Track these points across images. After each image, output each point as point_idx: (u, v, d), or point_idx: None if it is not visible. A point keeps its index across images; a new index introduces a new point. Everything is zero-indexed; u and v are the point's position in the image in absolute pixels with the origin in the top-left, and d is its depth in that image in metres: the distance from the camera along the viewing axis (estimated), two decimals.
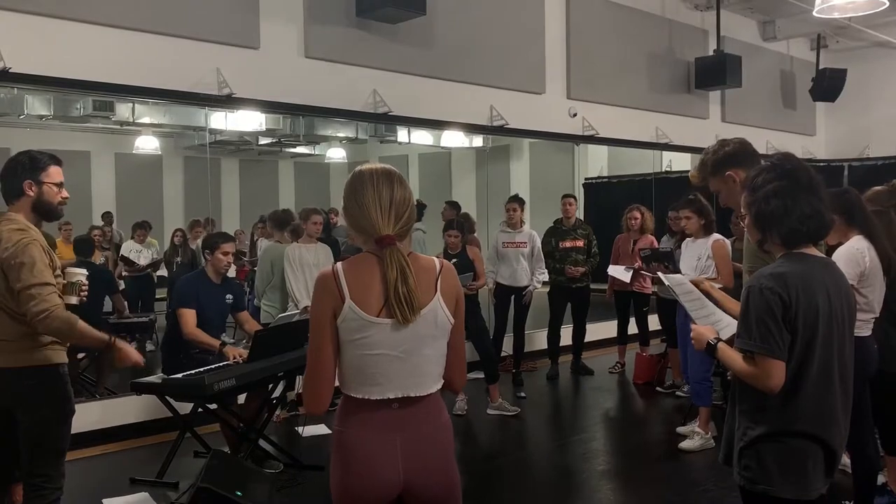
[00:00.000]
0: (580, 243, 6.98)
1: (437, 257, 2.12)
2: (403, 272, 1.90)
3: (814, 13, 6.08)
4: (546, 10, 7.55)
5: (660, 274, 2.89)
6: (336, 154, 15.06)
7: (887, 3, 5.73)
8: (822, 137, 11.22)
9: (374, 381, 1.93)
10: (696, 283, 2.81)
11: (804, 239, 2.16)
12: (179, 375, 3.96)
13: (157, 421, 5.06)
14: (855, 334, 2.96)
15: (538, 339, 7.47)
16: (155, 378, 4.18)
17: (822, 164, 10.94)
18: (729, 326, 2.55)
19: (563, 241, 6.98)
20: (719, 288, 2.90)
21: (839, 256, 3.23)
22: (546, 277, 6.92)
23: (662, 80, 8.68)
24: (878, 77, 10.55)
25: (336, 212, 10.79)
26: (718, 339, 2.30)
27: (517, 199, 6.85)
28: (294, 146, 14.43)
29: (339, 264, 1.97)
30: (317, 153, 15.09)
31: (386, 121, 6.74)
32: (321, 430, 5.10)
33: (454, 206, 8.06)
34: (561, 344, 7.10)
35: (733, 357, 2.18)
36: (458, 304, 2.04)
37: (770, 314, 2.06)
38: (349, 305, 1.90)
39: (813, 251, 2.19)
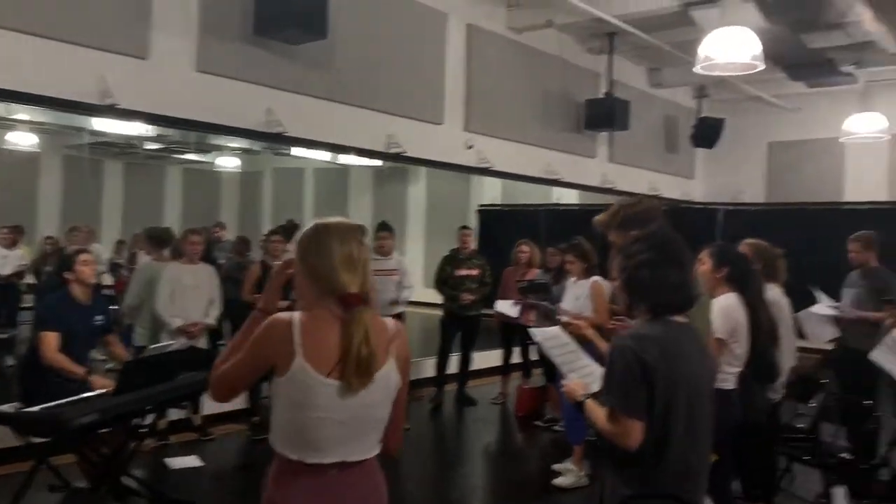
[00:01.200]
0: (475, 272, 7.10)
1: (393, 318, 2.06)
2: (367, 334, 1.84)
3: (696, 69, 6.42)
4: (447, 42, 7.64)
5: (532, 330, 2.95)
6: (228, 163, 14.62)
7: (762, 66, 6.15)
8: (700, 181, 11.89)
9: (314, 445, 1.84)
10: (573, 324, 2.92)
11: (669, 310, 2.27)
12: (36, 408, 3.67)
13: (7, 450, 4.69)
14: (721, 387, 3.13)
15: (426, 367, 7.48)
16: (8, 408, 3.87)
17: (699, 206, 11.59)
18: (600, 380, 2.64)
19: (459, 269, 7.08)
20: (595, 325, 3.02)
21: (714, 311, 3.41)
22: (411, 297, 6.94)
23: (555, 119, 8.95)
24: (752, 128, 11.31)
25: (222, 226, 10.46)
26: (587, 396, 2.38)
27: (387, 227, 6.88)
28: (184, 153, 13.90)
29: (296, 316, 1.87)
30: (208, 161, 14.59)
31: (280, 141, 6.61)
32: (192, 462, 4.89)
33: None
34: (447, 372, 7.16)
35: (598, 415, 2.26)
36: (406, 365, 2.00)
37: (630, 374, 2.15)
38: (300, 363, 1.81)
39: (678, 317, 2.31)
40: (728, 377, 3.44)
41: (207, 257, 6.79)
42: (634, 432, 2.14)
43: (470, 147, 7.94)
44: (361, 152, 7.29)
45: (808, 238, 9.63)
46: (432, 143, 7.61)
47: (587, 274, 5.25)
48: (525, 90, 8.53)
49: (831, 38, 8.08)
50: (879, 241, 5.88)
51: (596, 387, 2.58)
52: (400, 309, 6.69)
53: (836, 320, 5.77)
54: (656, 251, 2.27)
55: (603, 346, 2.81)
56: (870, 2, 7.06)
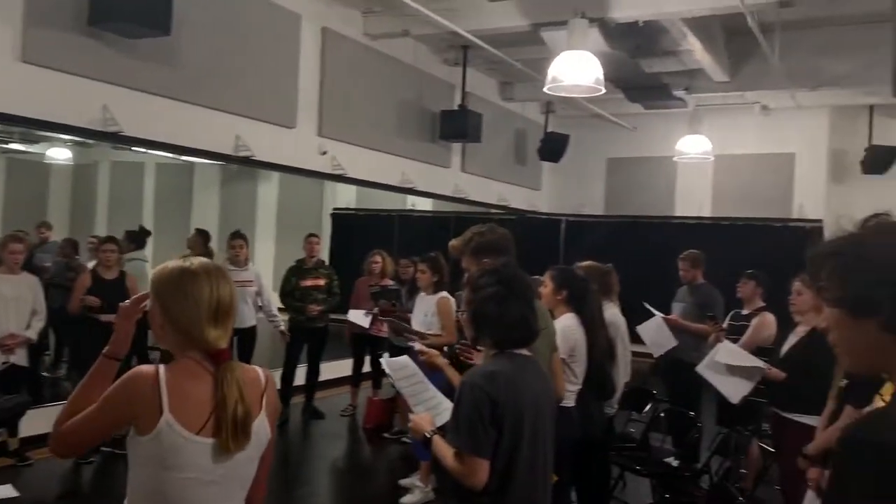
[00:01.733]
0: (321, 282, 6.95)
1: (260, 368, 1.89)
2: (242, 392, 1.69)
3: (544, 90, 6.66)
4: (301, 44, 7.46)
5: (382, 360, 2.92)
6: (59, 155, 13.47)
7: (604, 90, 6.47)
8: (546, 193, 12.38)
9: None
10: (425, 353, 2.91)
11: (513, 344, 2.32)
12: None
13: None
14: (562, 405, 3.24)
15: None
16: None
17: (544, 216, 12.07)
18: (448, 411, 2.65)
19: (305, 279, 6.90)
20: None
21: (556, 331, 3.53)
22: (274, 310, 6.80)
23: (411, 128, 8.99)
24: (593, 144, 11.92)
25: (48, 226, 9.61)
26: (434, 432, 2.37)
27: (242, 236, 6.65)
28: (7, 142, 12.68)
29: (161, 369, 1.69)
30: (35, 152, 13.38)
31: (116, 140, 6.16)
32: (6, 492, 4.45)
33: (203, 234, 7.61)
34: (294, 384, 6.98)
35: (445, 452, 2.26)
36: (274, 416, 1.87)
37: (477, 412, 2.16)
38: (167, 421, 1.63)
39: (522, 351, 2.35)
40: (568, 395, 3.58)
41: (30, 262, 6.23)
42: (481, 472, 2.16)
43: (324, 153, 7.80)
44: (207, 154, 6.97)
45: (643, 249, 10.32)
46: (284, 146, 7.40)
47: (436, 288, 5.28)
48: (381, 98, 8.49)
49: (666, 64, 8.67)
50: (705, 258, 6.34)
51: (443, 419, 2.59)
52: (253, 322, 6.46)
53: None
54: (503, 286, 2.31)
55: (455, 378, 2.82)
56: (700, 33, 7.62)
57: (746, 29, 7.07)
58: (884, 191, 10.58)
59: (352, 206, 13.24)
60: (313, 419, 6.99)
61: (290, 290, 6.88)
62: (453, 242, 3.15)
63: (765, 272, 5.84)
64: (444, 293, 5.27)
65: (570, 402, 3.59)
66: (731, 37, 8.67)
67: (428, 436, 2.36)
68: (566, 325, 3.62)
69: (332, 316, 7.20)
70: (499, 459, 2.20)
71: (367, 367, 7.25)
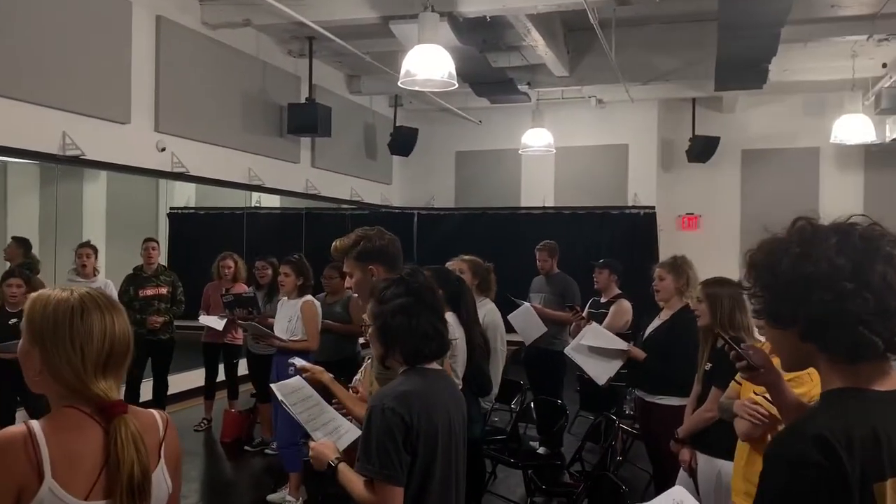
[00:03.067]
0: (163, 291, 6.46)
1: (157, 412, 1.63)
2: (139, 450, 1.43)
3: (398, 83, 6.56)
4: (133, 32, 6.87)
5: (273, 386, 2.70)
6: None
7: (456, 85, 6.48)
8: (397, 187, 12.33)
9: None
10: (308, 370, 2.75)
11: (425, 358, 2.19)
12: None
13: None
14: None
15: None
16: None
17: (396, 210, 12.02)
18: (350, 433, 2.49)
19: (144, 288, 6.39)
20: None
21: None
22: None
23: (256, 122, 8.59)
24: (442, 137, 12.01)
25: None
26: (339, 459, 2.21)
27: (90, 245, 6.09)
28: None
29: (36, 425, 1.40)
30: None
31: None
32: None
33: (22, 243, 6.83)
34: (141, 400, 6.45)
35: (353, 481, 2.10)
36: (177, 465, 1.61)
37: (391, 437, 2.01)
38: (50, 487, 1.37)
39: (433, 365, 2.23)
40: None
41: None
42: (395, 500, 2.03)
43: (162, 150, 7.26)
44: (29, 155, 6.24)
45: (492, 240, 10.53)
46: (117, 144, 6.80)
47: (300, 292, 5.05)
48: (223, 91, 8.03)
49: (511, 59, 8.87)
50: (560, 248, 6.54)
51: (346, 441, 2.43)
52: None
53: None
54: (413, 296, 2.17)
55: (342, 395, 2.66)
56: (543, 29, 7.84)
57: (584, 25, 7.36)
58: (706, 177, 11.49)
59: (191, 205, 12.48)
60: None
61: (129, 301, 6.35)
62: (337, 244, 2.96)
63: (612, 258, 6.13)
64: (309, 297, 5.04)
65: None
66: (569, 32, 9.01)
67: (332, 464, 2.19)
68: (448, 324, 3.55)
69: (179, 323, 6.74)
70: (412, 485, 2.07)
71: (221, 377, 6.84)
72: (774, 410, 2.28)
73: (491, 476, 4.90)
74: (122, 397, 1.55)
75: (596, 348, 4.66)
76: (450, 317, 3.61)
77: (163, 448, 1.59)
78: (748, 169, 11.58)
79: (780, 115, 11.27)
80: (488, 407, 4.49)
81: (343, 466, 2.15)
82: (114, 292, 6.13)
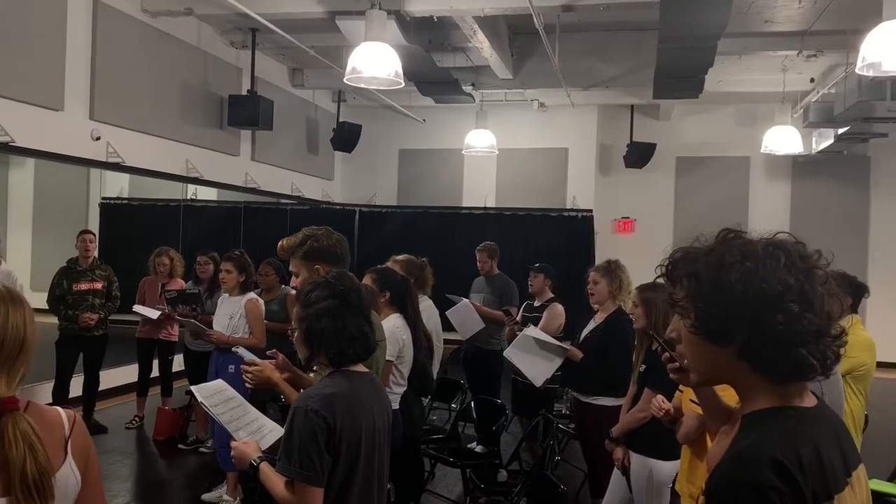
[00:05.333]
0: (98, 286, 6.27)
1: (63, 409, 1.57)
2: (33, 447, 1.38)
3: (344, 80, 6.53)
4: (69, 17, 6.64)
5: (193, 388, 2.66)
6: None
7: (403, 84, 6.49)
8: (339, 183, 12.25)
9: None
10: (255, 366, 2.73)
11: (351, 360, 2.21)
12: None
13: None
14: None
15: (41, 393, 6.44)
16: None
17: (337, 206, 11.95)
18: (273, 432, 2.49)
19: (78, 282, 6.19)
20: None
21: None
22: None
23: (195, 113, 8.41)
24: (385, 135, 11.99)
25: None
26: (261, 459, 2.21)
27: None
28: None
29: None
30: None
31: None
32: None
33: None
34: (71, 396, 6.26)
35: (274, 481, 2.11)
36: (89, 461, 1.57)
37: (313, 439, 2.03)
38: None
39: (359, 367, 2.25)
40: (394, 398, 3.54)
41: None
42: (314, 501, 2.04)
43: (97, 138, 7.04)
44: None
45: (434, 239, 10.58)
46: (49, 131, 6.57)
47: (243, 289, 4.97)
48: (162, 80, 7.85)
49: (456, 59, 8.93)
50: (500, 249, 6.62)
51: (269, 441, 2.43)
52: None
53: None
54: (338, 299, 2.18)
55: (291, 394, 2.65)
56: (488, 31, 7.91)
57: (529, 29, 7.45)
58: (642, 182, 11.80)
59: (124, 196, 12.12)
60: (95, 434, 6.30)
61: (62, 295, 6.14)
62: (283, 242, 2.95)
63: (545, 260, 6.22)
64: (252, 294, 4.97)
65: (395, 404, 3.55)
66: (514, 36, 9.12)
67: (254, 463, 2.19)
68: (394, 327, 3.57)
69: (112, 317, 6.55)
70: (333, 486, 2.08)
71: (155, 373, 6.68)
72: (699, 410, 2.38)
73: (430, 475, 4.94)
74: (14, 393, 1.50)
75: (535, 348, 4.74)
76: (397, 318, 3.64)
77: (69, 444, 1.56)
78: (682, 175, 11.95)
79: (713, 125, 11.66)
80: (426, 404, 4.52)
81: (265, 466, 2.16)
82: (17, 282, 5.91)
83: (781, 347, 1.27)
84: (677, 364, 2.07)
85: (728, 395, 2.42)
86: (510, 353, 4.97)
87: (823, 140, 10.35)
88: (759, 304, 1.26)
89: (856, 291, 4.04)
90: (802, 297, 1.26)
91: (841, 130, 9.44)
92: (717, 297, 1.29)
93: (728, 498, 1.23)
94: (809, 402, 1.33)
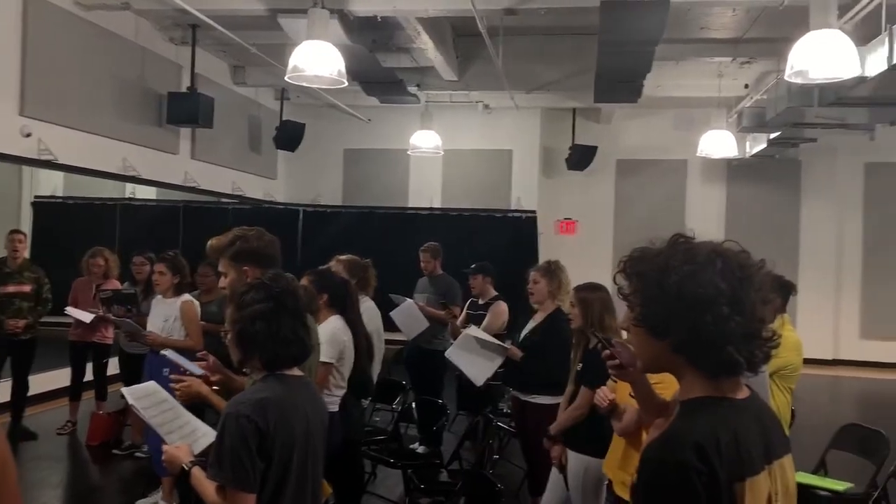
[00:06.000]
0: (27, 288, 6.07)
1: None
2: None
3: (285, 78, 6.45)
4: None
5: (124, 391, 2.59)
6: None
7: (346, 83, 6.45)
8: (282, 182, 12.11)
9: None
10: (183, 382, 2.68)
11: (286, 363, 2.19)
12: None
13: None
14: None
15: None
16: None
17: (281, 206, 11.80)
18: (206, 436, 2.46)
19: (6, 285, 5.98)
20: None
21: (321, 335, 3.43)
22: None
23: (133, 110, 8.20)
24: (330, 134, 11.90)
25: None
26: (193, 463, 2.18)
27: None
28: None
29: None
30: None
31: None
32: None
33: None
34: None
35: (206, 486, 2.09)
36: (5, 471, 1.49)
37: (244, 445, 2.00)
38: None
39: (294, 371, 2.22)
40: (334, 400, 3.52)
41: None
42: None
43: (28, 135, 6.80)
44: None
45: (379, 239, 10.54)
46: None
47: (178, 291, 4.87)
48: (97, 75, 7.62)
49: (401, 60, 8.92)
50: (443, 249, 6.64)
51: (202, 444, 2.39)
52: None
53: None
54: (274, 301, 2.15)
55: (219, 404, 2.61)
56: (433, 33, 7.94)
57: (473, 31, 7.50)
58: (584, 184, 12.00)
59: (59, 194, 11.75)
60: (24, 440, 6.08)
61: None
62: (213, 242, 2.90)
63: (490, 260, 6.27)
64: (188, 296, 4.87)
65: (334, 407, 3.53)
66: (459, 38, 9.16)
67: (186, 468, 2.16)
68: (334, 328, 3.54)
69: (43, 319, 6.35)
70: (265, 491, 2.06)
71: (89, 377, 6.49)
72: (634, 404, 2.45)
73: (371, 476, 4.93)
74: None
75: (476, 347, 4.78)
76: (337, 320, 3.62)
77: None
78: (622, 178, 12.19)
79: (652, 129, 11.94)
80: (364, 405, 4.50)
81: (196, 471, 2.13)
82: None
83: (711, 345, 1.40)
84: (617, 361, 2.15)
85: (664, 388, 2.51)
86: (451, 353, 5.00)
87: (757, 144, 10.70)
88: (693, 305, 1.40)
89: (784, 291, 4.17)
90: (733, 302, 1.40)
91: (773, 135, 9.77)
92: (657, 295, 1.45)
93: (656, 474, 1.39)
94: (742, 394, 1.48)
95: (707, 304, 1.39)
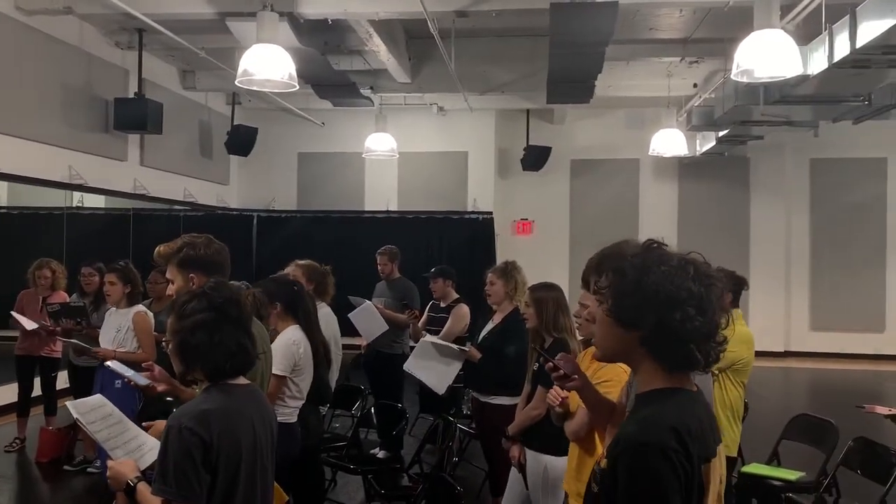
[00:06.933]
0: None
1: None
2: None
3: (235, 83, 6.36)
4: None
5: (69, 404, 2.51)
6: None
7: (297, 87, 6.39)
8: (235, 188, 11.95)
9: None
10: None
11: (229, 374, 2.14)
12: None
13: None
14: (283, 421, 3.13)
15: None
16: None
17: (234, 212, 11.64)
18: (153, 450, 2.40)
19: None
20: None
21: (276, 347, 3.37)
22: None
23: (79, 117, 8.01)
24: (283, 138, 11.78)
25: None
26: (139, 479, 2.13)
27: None
28: None
29: None
30: None
31: None
32: None
33: None
34: None
35: (151, 501, 2.04)
36: None
37: (188, 458, 1.96)
38: None
39: (239, 380, 2.17)
40: (290, 411, 3.47)
41: None
42: None
43: None
44: None
45: (335, 243, 10.46)
46: None
47: (130, 301, 4.76)
48: (40, 82, 7.43)
49: (353, 62, 8.88)
50: (401, 252, 6.61)
51: (148, 460, 2.33)
52: None
53: None
54: (215, 311, 2.10)
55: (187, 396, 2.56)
56: (384, 35, 7.91)
57: (426, 34, 7.51)
58: (539, 185, 12.10)
59: (3, 204, 11.39)
60: None
61: None
62: (160, 249, 2.85)
63: (448, 262, 6.28)
64: (141, 307, 4.77)
65: (291, 417, 3.48)
66: (411, 40, 9.15)
67: (132, 483, 2.10)
68: (289, 339, 3.48)
69: None
70: (213, 502, 2.03)
71: (37, 392, 6.30)
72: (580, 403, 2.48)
73: (331, 483, 4.88)
74: None
75: (435, 354, 4.77)
76: (294, 330, 3.55)
77: None
78: (577, 177, 12.33)
79: (605, 128, 12.10)
80: (322, 412, 4.46)
81: (142, 486, 2.07)
82: None
83: (676, 341, 1.55)
84: (561, 371, 2.20)
85: (609, 387, 2.53)
86: (410, 365, 4.99)
87: (706, 142, 10.91)
88: (665, 303, 1.53)
89: (736, 285, 4.24)
90: (699, 304, 1.55)
91: (721, 133, 9.98)
92: (633, 290, 1.57)
93: (636, 456, 1.48)
94: (692, 387, 1.64)
95: (678, 303, 1.53)
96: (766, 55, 4.93)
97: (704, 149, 11.06)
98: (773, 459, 4.68)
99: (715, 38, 7.83)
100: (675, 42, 8.37)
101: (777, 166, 11.99)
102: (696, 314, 1.53)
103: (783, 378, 10.84)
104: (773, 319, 11.60)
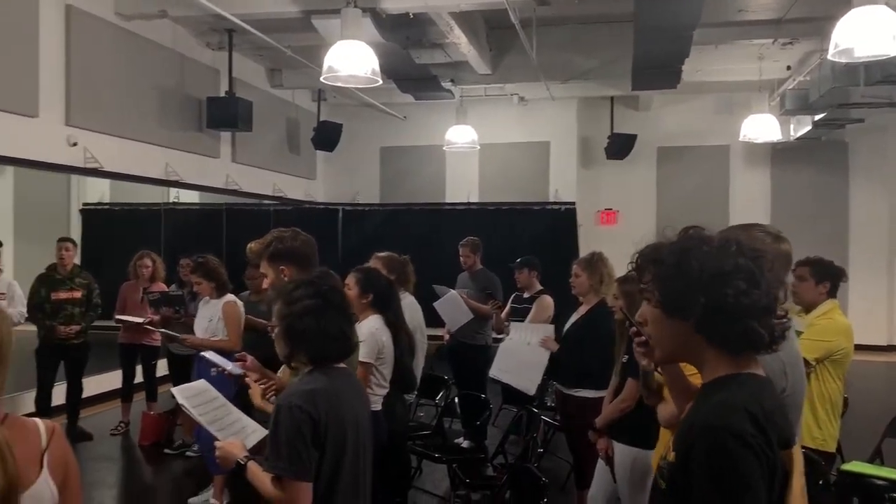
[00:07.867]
0: (78, 294, 6.22)
1: (43, 421, 1.56)
2: (4, 461, 1.35)
3: (321, 79, 6.50)
4: (41, 22, 6.57)
5: (174, 390, 2.66)
6: None
7: (381, 82, 6.47)
8: (321, 182, 12.22)
9: None
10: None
11: (330, 359, 2.22)
12: None
13: None
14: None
15: (24, 403, 6.39)
16: None
17: (321, 206, 11.92)
18: (256, 432, 2.49)
19: (57, 291, 6.14)
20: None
21: (360, 335, 3.44)
22: (22, 320, 5.97)
23: (173, 116, 8.36)
24: (366, 133, 11.96)
25: None
26: (248, 458, 2.22)
27: None
28: None
29: None
30: None
31: None
32: None
33: None
34: (54, 404, 6.21)
35: (262, 479, 2.13)
36: (68, 473, 1.55)
37: (299, 434, 2.04)
38: None
39: (338, 364, 2.25)
40: (376, 399, 3.54)
41: None
42: (304, 497, 2.05)
43: (74, 144, 6.98)
44: None
45: (417, 236, 10.57)
46: (25, 138, 6.51)
47: (218, 293, 4.95)
48: (138, 83, 7.79)
49: (434, 56, 8.91)
50: (482, 243, 6.62)
51: (253, 440, 2.43)
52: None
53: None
54: (321, 298, 2.19)
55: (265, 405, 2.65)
56: (465, 27, 7.91)
57: (506, 24, 7.46)
58: (624, 174, 11.84)
59: (106, 201, 12.02)
60: (80, 441, 6.26)
61: (40, 303, 6.07)
62: (252, 246, 2.98)
63: (533, 254, 6.24)
64: (230, 297, 4.95)
65: (377, 405, 3.55)
66: (491, 31, 9.11)
67: (241, 462, 2.19)
68: (373, 328, 3.56)
69: (94, 323, 6.51)
70: (321, 481, 2.10)
71: (139, 379, 6.64)
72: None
73: (417, 471, 4.95)
74: None
75: (517, 355, 4.76)
76: (376, 319, 3.62)
77: (46, 457, 1.55)
78: (663, 165, 12.00)
79: (692, 114, 11.72)
80: (410, 401, 4.53)
81: (252, 465, 2.17)
82: (17, 292, 5.89)
83: (732, 320, 1.44)
84: (644, 338, 2.11)
85: (695, 377, 2.46)
86: (495, 372, 5.01)
87: (801, 127, 10.43)
88: (712, 281, 1.43)
89: (834, 276, 4.05)
90: (750, 277, 1.44)
91: (818, 117, 9.52)
92: (676, 274, 1.48)
93: (713, 441, 1.38)
94: (761, 372, 1.52)
95: (726, 277, 1.43)
96: (868, 33, 4.65)
97: (799, 133, 10.59)
98: (877, 458, 4.45)
99: (810, 17, 7.46)
100: (766, 23, 8.01)
101: (879, 150, 11.33)
102: (749, 287, 1.42)
103: (887, 373, 10.29)
104: (875, 311, 11.01)
